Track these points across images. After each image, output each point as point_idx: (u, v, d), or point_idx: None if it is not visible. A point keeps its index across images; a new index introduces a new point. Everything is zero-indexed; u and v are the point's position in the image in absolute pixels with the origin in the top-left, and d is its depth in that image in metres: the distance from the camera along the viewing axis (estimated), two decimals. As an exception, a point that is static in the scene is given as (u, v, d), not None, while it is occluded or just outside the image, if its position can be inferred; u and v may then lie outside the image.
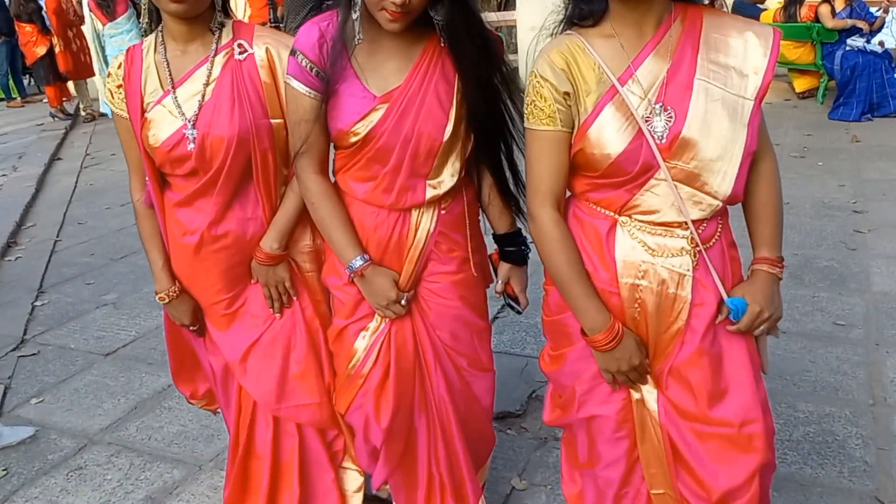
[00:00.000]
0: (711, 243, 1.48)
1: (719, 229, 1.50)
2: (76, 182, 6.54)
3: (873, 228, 4.21)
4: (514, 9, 8.79)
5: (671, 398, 1.52)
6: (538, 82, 1.43)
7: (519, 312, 1.90)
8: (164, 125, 1.70)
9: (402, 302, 1.72)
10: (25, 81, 11.47)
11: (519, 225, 1.82)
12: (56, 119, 9.18)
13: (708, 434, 1.49)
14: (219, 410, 2.18)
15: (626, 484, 1.64)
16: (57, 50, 8.74)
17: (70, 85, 9.59)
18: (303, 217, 1.80)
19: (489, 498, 2.23)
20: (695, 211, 1.43)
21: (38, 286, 4.28)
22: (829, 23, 6.90)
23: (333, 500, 2.02)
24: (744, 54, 1.40)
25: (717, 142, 1.38)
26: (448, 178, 1.67)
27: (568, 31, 1.47)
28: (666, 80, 1.39)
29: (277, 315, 1.87)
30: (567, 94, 1.42)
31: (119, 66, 1.75)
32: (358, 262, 1.69)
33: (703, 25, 1.41)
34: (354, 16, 1.53)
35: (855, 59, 6.82)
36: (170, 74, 1.71)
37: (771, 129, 1.53)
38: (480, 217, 1.85)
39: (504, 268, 1.84)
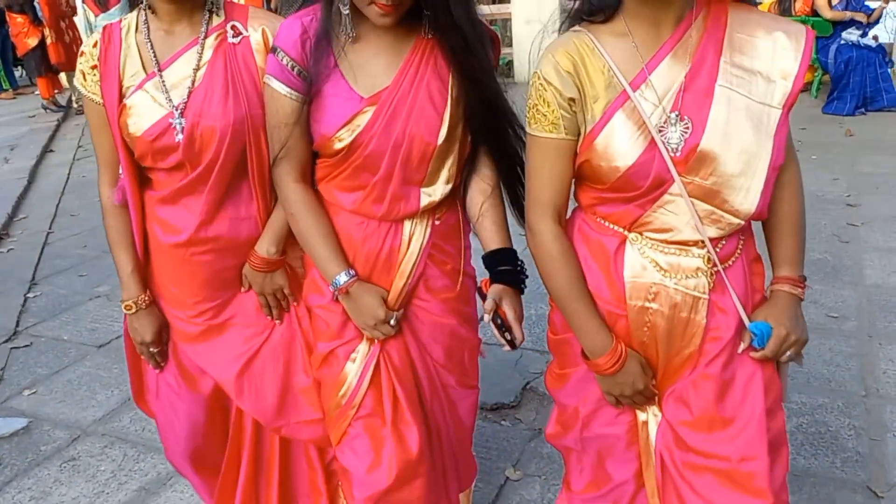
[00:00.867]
0: (731, 262, 1.34)
1: (740, 245, 1.36)
2: (68, 174, 6.51)
3: (866, 221, 4.24)
4: (509, 1, 8.77)
5: (669, 421, 1.39)
6: (541, 85, 1.30)
7: (513, 348, 1.54)
8: (146, 112, 1.54)
9: (392, 322, 1.55)
10: (17, 73, 11.36)
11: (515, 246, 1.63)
12: (48, 111, 9.11)
13: (702, 467, 1.34)
14: None
15: None
16: (49, 41, 8.66)
17: (62, 76, 9.53)
18: None
19: (483, 489, 2.24)
20: (713, 229, 1.29)
21: (31, 278, 4.26)
22: (828, 13, 6.86)
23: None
24: (772, 57, 1.25)
25: (740, 156, 1.24)
26: (443, 185, 1.54)
27: (576, 28, 1.32)
28: (683, 86, 1.25)
29: (278, 322, 1.71)
30: (572, 99, 1.28)
31: (94, 45, 1.57)
32: (343, 279, 1.53)
33: (728, 24, 1.26)
34: (344, 10, 1.40)
35: (849, 53, 6.83)
36: (154, 56, 1.55)
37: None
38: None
39: (496, 288, 1.55)
